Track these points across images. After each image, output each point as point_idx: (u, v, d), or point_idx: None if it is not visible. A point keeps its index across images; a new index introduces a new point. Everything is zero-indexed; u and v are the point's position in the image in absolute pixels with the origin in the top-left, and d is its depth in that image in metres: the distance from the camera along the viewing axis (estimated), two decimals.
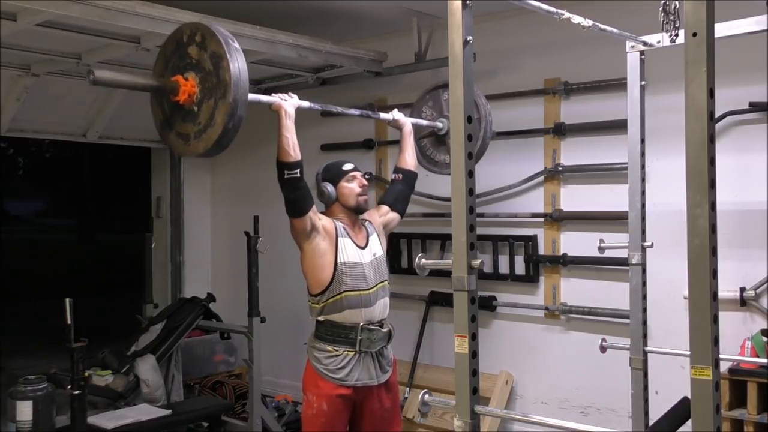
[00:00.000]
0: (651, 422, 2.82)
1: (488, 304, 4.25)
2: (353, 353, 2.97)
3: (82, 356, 3.05)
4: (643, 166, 2.83)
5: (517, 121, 4.18)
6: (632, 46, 2.80)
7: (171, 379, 4.57)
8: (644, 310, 2.81)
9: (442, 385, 4.21)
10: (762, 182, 3.34)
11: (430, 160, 3.58)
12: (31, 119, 4.85)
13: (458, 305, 1.86)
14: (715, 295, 1.60)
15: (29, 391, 3.37)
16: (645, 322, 2.82)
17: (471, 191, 1.87)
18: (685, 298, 1.73)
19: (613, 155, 3.76)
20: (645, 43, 2.75)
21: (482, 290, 4.09)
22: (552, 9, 2.18)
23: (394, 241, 4.63)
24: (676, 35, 2.33)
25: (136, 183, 9.87)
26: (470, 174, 1.87)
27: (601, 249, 2.88)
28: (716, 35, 1.61)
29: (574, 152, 4.00)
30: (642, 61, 2.80)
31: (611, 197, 3.76)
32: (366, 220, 3.21)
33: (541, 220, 4.11)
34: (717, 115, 2.05)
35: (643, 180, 2.83)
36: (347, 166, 3.16)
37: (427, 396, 1.99)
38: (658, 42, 2.70)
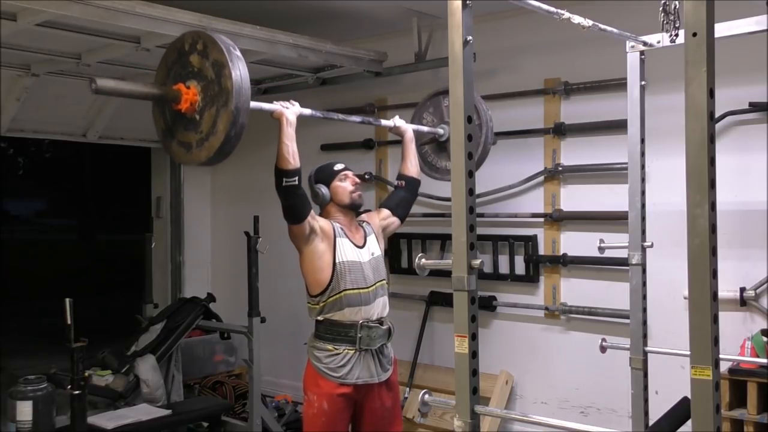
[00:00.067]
0: (651, 422, 2.82)
1: (488, 304, 4.25)
2: (353, 351, 2.98)
3: (82, 356, 3.05)
4: (643, 166, 2.83)
5: (517, 121, 4.17)
6: (632, 46, 2.80)
7: (171, 379, 4.57)
8: (644, 310, 2.81)
9: (442, 385, 4.22)
10: (762, 182, 3.34)
11: (431, 166, 3.60)
12: (31, 119, 4.85)
13: (458, 305, 1.86)
14: (715, 295, 1.60)
15: (29, 391, 3.37)
16: (645, 322, 2.82)
17: (471, 191, 1.87)
18: (685, 298, 1.73)
19: (613, 155, 3.76)
20: (645, 43, 2.75)
21: (482, 290, 4.09)
22: (552, 9, 2.18)
23: (394, 241, 4.64)
24: (676, 35, 2.33)
25: (136, 183, 9.89)
26: (470, 174, 1.87)
27: (601, 249, 2.88)
28: (716, 35, 1.61)
29: (574, 152, 4.00)
30: (642, 61, 2.80)
31: (611, 197, 3.76)
32: (365, 221, 3.24)
33: (541, 220, 4.11)
34: (717, 115, 2.06)
35: (643, 180, 2.83)
36: (338, 166, 3.18)
37: (427, 396, 1.99)
38: (658, 42, 2.70)
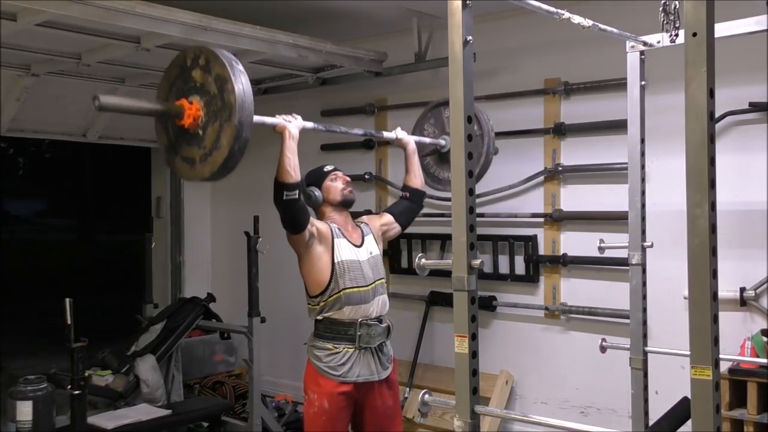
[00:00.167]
0: (651, 422, 2.82)
1: (488, 304, 4.25)
2: (353, 349, 3.00)
3: (82, 356, 3.06)
4: (643, 166, 2.83)
5: (517, 121, 4.17)
6: (632, 46, 2.79)
7: (171, 379, 4.57)
8: (644, 310, 2.81)
9: (442, 385, 4.21)
10: (762, 182, 3.34)
11: (433, 177, 3.61)
12: (31, 119, 4.85)
13: (458, 305, 1.86)
14: (715, 295, 1.60)
15: (29, 391, 3.37)
16: (645, 322, 2.82)
17: (471, 191, 1.87)
18: (685, 298, 1.73)
19: (613, 155, 3.76)
20: (645, 43, 2.75)
21: (482, 290, 4.09)
22: (552, 9, 2.18)
23: (395, 241, 4.63)
24: (676, 35, 2.32)
25: (136, 183, 9.89)
26: (470, 174, 1.87)
27: (601, 249, 2.88)
28: (716, 35, 1.61)
29: (574, 152, 4.00)
30: (642, 61, 2.80)
31: (611, 197, 3.76)
32: (364, 222, 3.27)
33: (541, 220, 4.11)
34: (717, 115, 2.06)
35: (643, 180, 2.83)
36: (328, 167, 3.22)
37: (427, 396, 1.99)
38: (658, 42, 2.70)
